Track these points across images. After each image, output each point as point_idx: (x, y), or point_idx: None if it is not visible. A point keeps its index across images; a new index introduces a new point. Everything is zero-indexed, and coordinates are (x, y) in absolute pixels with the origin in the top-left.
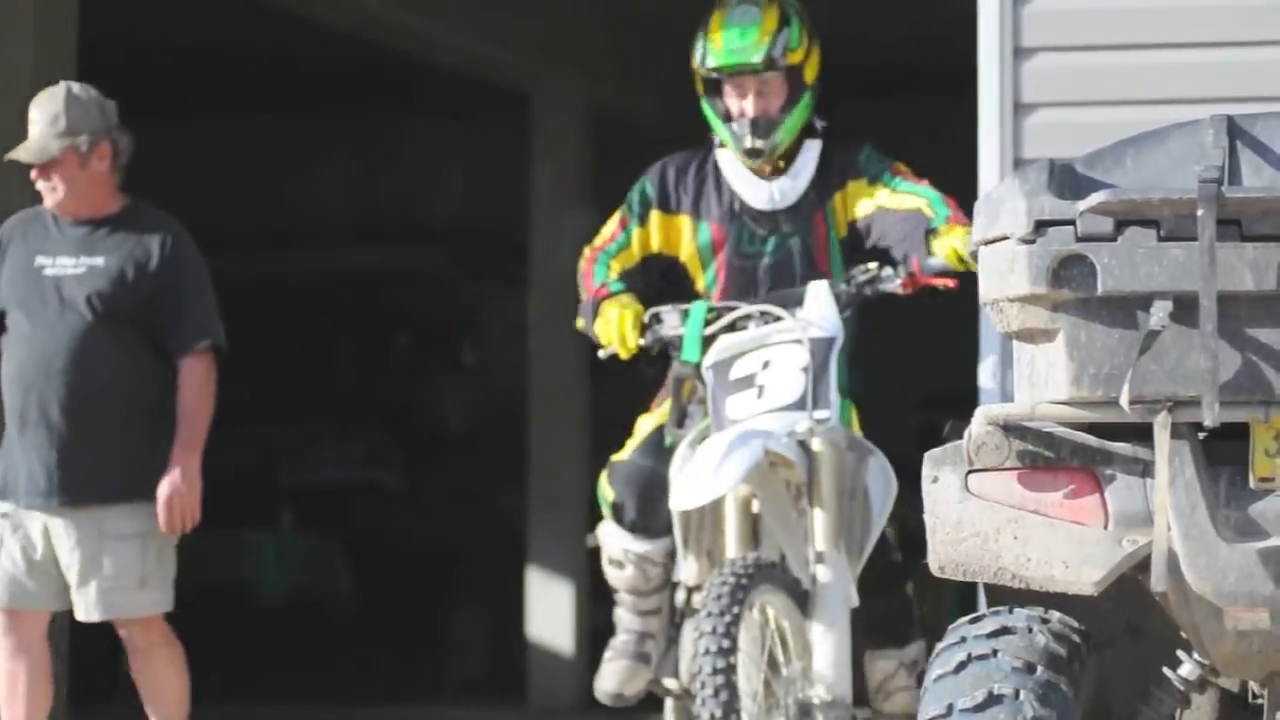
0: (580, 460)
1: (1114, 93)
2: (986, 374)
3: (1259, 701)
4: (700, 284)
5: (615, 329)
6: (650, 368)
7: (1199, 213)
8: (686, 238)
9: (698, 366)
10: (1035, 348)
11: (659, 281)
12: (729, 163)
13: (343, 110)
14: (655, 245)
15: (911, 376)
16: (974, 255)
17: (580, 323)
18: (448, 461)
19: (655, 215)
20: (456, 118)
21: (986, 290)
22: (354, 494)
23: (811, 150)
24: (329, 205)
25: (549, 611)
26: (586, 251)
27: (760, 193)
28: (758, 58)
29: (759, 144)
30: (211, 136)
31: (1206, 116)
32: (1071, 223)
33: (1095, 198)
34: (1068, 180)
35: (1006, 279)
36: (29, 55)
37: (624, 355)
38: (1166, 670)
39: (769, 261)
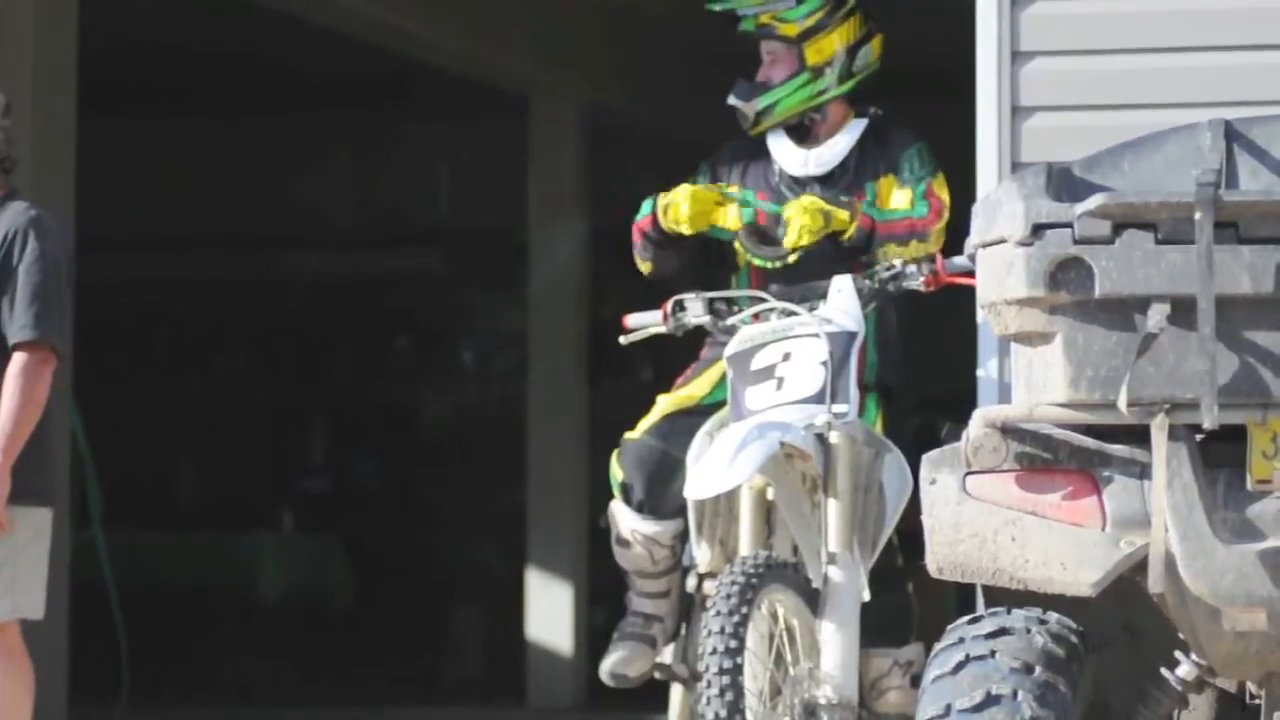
0: (579, 461)
1: (1111, 96)
2: (984, 376)
3: (1256, 702)
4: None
5: (686, 196)
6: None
7: (1196, 216)
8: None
9: None
10: (1033, 350)
11: (711, 264)
12: (775, 134)
13: (342, 113)
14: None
15: (909, 379)
16: (971, 258)
17: (639, 260)
18: (447, 463)
19: None
20: (455, 121)
21: (984, 293)
22: (354, 495)
23: (854, 128)
24: (328, 208)
25: (548, 612)
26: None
27: (795, 158)
28: (750, 14)
29: (735, 100)
30: (212, 139)
31: (1204, 120)
32: (1069, 226)
33: (1093, 201)
34: (1065, 184)
35: (1004, 282)
36: (29, 56)
37: (691, 228)
38: (1164, 671)
39: None
